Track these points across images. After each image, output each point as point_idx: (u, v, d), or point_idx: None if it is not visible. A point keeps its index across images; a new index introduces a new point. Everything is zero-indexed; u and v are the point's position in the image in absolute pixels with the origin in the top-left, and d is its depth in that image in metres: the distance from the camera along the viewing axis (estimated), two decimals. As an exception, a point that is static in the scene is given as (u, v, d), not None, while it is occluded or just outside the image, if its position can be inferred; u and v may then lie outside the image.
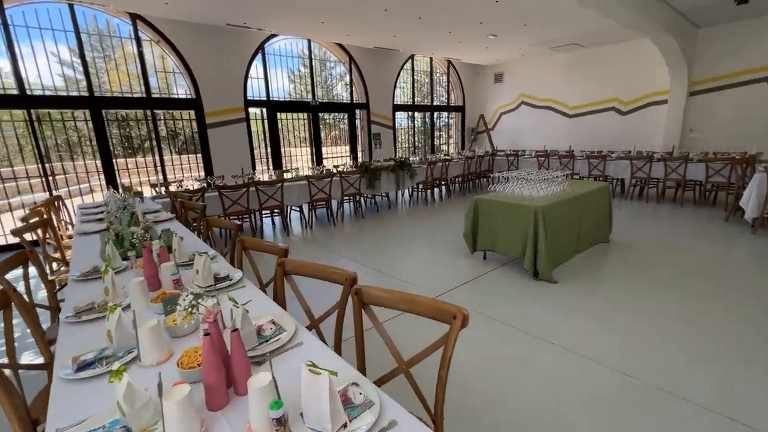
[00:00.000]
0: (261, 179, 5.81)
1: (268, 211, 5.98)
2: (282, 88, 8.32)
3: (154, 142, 6.70)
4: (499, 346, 2.56)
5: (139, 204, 3.24)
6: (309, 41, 8.47)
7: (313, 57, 8.67)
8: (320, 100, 8.87)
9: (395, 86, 10.09)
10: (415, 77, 10.83)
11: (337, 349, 1.63)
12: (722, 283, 3.40)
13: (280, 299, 1.77)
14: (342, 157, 9.62)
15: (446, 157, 8.46)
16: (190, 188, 5.32)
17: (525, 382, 2.19)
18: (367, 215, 6.76)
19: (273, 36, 7.69)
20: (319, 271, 1.69)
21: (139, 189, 5.02)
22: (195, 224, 3.41)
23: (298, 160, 9.09)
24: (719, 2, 6.21)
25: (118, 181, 6.26)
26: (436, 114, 11.79)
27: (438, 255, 4.50)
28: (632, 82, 8.99)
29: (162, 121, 6.96)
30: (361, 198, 7.09)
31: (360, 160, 9.81)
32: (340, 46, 8.78)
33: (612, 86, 9.35)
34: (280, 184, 5.46)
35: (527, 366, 2.34)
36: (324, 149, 9.38)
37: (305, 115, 8.82)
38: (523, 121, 11.33)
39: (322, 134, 9.34)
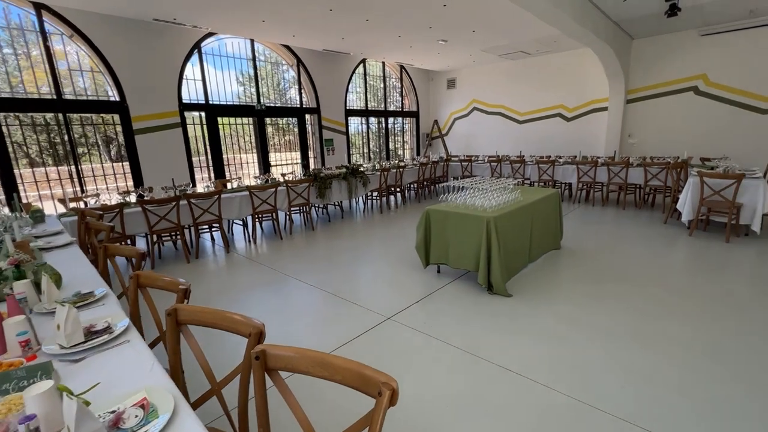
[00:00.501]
0: (197, 190, 5.25)
1: (207, 226, 5.42)
2: (231, 91, 7.73)
3: (69, 150, 5.88)
4: (447, 375, 2.31)
5: (23, 227, 2.65)
6: (252, 41, 7.95)
7: (258, 58, 8.16)
8: (266, 104, 8.36)
9: (347, 90, 9.79)
10: (368, 82, 10.61)
11: (243, 421, 1.28)
12: (669, 290, 3.42)
13: (171, 360, 1.39)
14: (293, 164, 9.15)
15: (400, 164, 8.28)
16: (109, 202, 4.65)
17: (478, 421, 1.95)
18: (318, 227, 6.37)
19: (211, 34, 7.11)
20: (220, 320, 1.32)
21: (41, 205, 4.29)
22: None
23: (248, 167, 8.49)
24: (649, 14, 6.55)
25: (23, 195, 5.40)
26: (391, 119, 11.64)
27: (391, 269, 4.23)
28: (576, 90, 9.36)
29: (80, 126, 6.14)
30: (311, 208, 6.69)
31: (312, 166, 9.39)
32: (288, 47, 8.34)
33: (557, 93, 9.68)
34: (216, 197, 4.94)
35: (479, 401, 2.10)
36: (274, 156, 8.86)
37: (250, 120, 8.26)
38: (476, 126, 11.47)
39: (274, 140, 8.82)
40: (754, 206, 4.72)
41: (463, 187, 4.11)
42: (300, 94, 8.95)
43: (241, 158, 8.32)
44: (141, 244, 5.35)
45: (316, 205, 7.01)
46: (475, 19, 6.41)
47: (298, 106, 8.96)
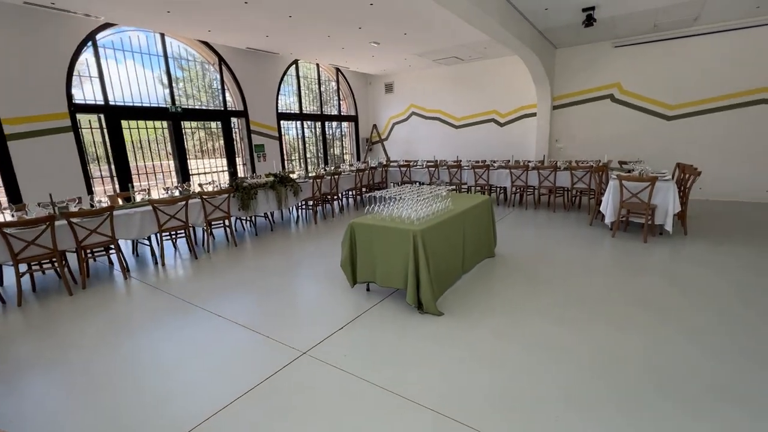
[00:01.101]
0: (83, 207, 4.41)
1: (103, 249, 4.59)
2: (140, 91, 6.78)
3: None
4: (361, 428, 1.95)
5: None
6: (162, 36, 7.10)
7: (172, 55, 7.30)
8: (184, 106, 7.52)
9: (278, 93, 9.19)
10: (302, 84, 10.09)
11: None
12: (598, 297, 3.37)
13: None
14: (219, 172, 8.35)
15: (335, 170, 7.87)
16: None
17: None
18: (242, 242, 5.75)
19: (110, 25, 6.19)
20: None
21: None
22: None
23: (165, 176, 7.55)
24: (568, 24, 6.83)
25: None
26: (330, 124, 11.19)
27: (317, 290, 3.81)
28: (507, 96, 9.62)
29: (-71, 131, 4.96)
30: (233, 221, 6.05)
31: (242, 174, 8.66)
32: (207, 44, 7.59)
33: (491, 99, 9.89)
34: (107, 214, 4.17)
35: (400, 459, 1.76)
36: (196, 163, 8.00)
37: (164, 123, 7.37)
38: (415, 131, 11.42)
39: (195, 146, 7.96)
40: (666, 207, 4.98)
41: (390, 197, 3.81)
42: (223, 95, 8.20)
43: (154, 166, 7.38)
44: (9, 276, 4.39)
45: (244, 217, 6.36)
46: (404, 20, 6.23)
47: (222, 108, 8.20)
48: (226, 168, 8.38)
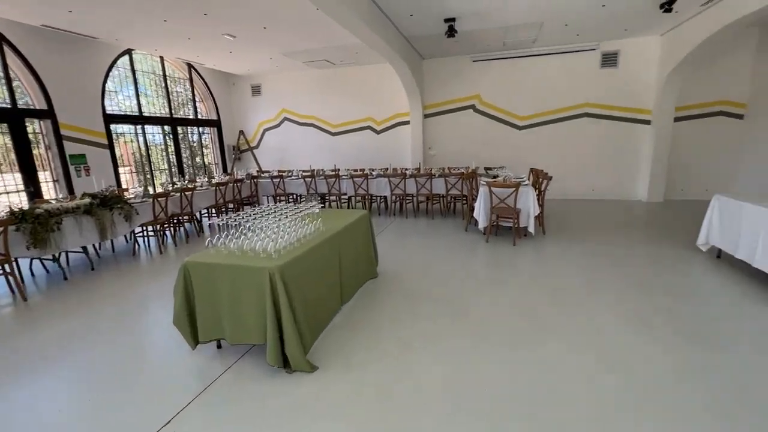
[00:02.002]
0: None
1: None
2: None
3: None
4: None
5: None
6: None
7: None
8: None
9: (104, 89, 7.25)
10: (145, 81, 8.23)
11: None
12: (487, 315, 3.16)
13: None
14: (12, 192, 6.06)
15: (187, 185, 6.50)
16: None
17: None
18: (39, 293, 4.09)
19: None
20: None
21: None
22: None
23: None
24: (433, 35, 6.97)
25: None
26: (189, 129, 9.44)
27: (149, 356, 2.73)
28: (383, 103, 9.55)
29: None
30: (27, 264, 4.34)
31: (55, 195, 6.51)
32: (-25, 15, 5.41)
33: (366, 106, 9.70)
34: None
35: None
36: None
37: None
38: (289, 138, 10.53)
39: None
40: (528, 210, 5.31)
41: (233, 224, 2.97)
42: (9, 86, 5.99)
43: None
44: None
45: (47, 256, 4.59)
46: (258, 10, 5.40)
47: (9, 105, 5.98)
48: (23, 187, 6.14)
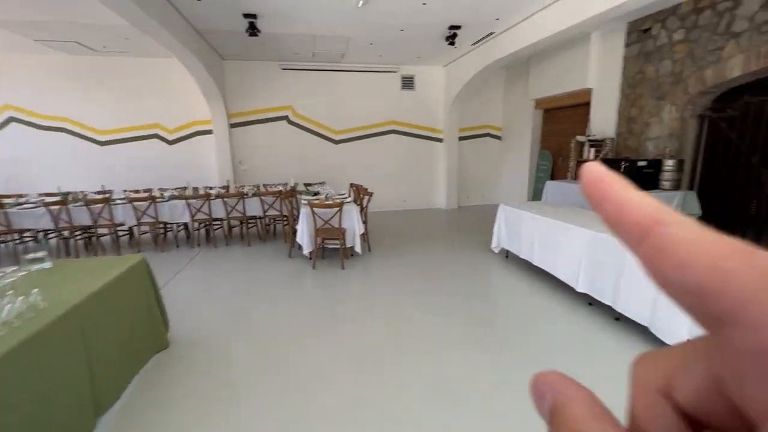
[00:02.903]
0: None
1: None
2: None
3: None
4: None
5: None
6: None
7: None
8: None
9: None
10: None
11: None
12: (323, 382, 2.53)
13: None
14: None
15: None
16: None
17: None
18: None
19: None
20: None
21: None
22: None
23: None
24: (231, 31, 5.99)
25: None
26: None
27: None
28: (174, 107, 7.76)
29: None
30: None
31: None
32: None
33: (151, 109, 7.68)
34: None
35: None
36: None
37: None
38: (23, 147, 7.31)
39: None
40: (354, 229, 5.04)
41: None
42: None
43: None
44: None
45: None
46: None
47: None
48: None
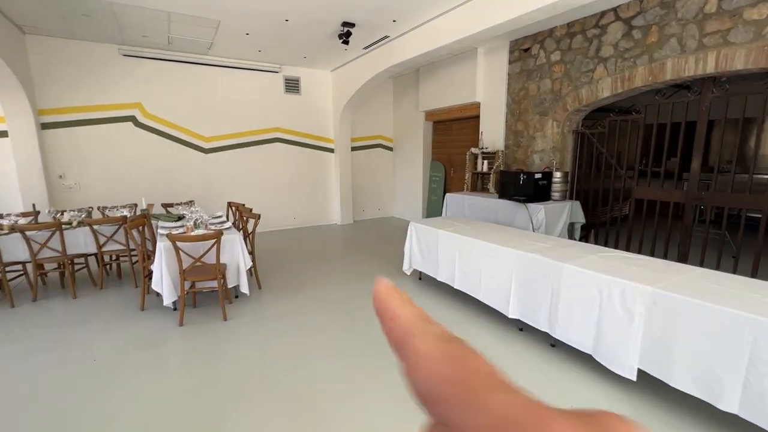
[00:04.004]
0: None
1: None
2: None
3: None
4: None
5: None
6: None
7: None
8: None
9: None
10: None
11: None
12: None
13: None
14: None
15: None
16: None
17: None
18: None
19: None
20: None
21: None
22: None
23: None
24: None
25: None
26: None
27: None
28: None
29: None
30: None
31: None
32: None
33: None
34: None
35: None
36: None
37: None
38: None
39: None
40: (237, 263, 3.89)
41: None
42: None
43: None
44: None
45: None
46: None
47: None
48: None
